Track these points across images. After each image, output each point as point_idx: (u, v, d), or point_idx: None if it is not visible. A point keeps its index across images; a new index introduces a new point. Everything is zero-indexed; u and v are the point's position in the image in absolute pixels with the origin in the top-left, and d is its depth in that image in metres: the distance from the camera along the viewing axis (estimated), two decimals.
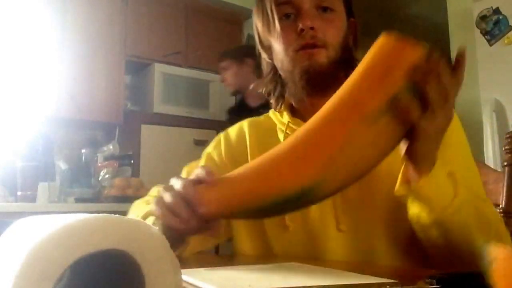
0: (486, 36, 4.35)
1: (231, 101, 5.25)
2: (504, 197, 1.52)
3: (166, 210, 0.96)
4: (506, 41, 4.20)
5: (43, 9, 4.35)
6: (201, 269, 0.92)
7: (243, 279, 0.82)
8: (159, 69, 4.96)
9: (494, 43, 4.29)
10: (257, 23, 1.47)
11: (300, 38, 1.31)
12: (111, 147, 4.78)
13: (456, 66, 0.95)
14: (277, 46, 1.38)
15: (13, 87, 4.09)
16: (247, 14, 5.93)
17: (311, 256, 1.28)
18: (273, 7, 1.36)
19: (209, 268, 0.95)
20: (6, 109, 4.08)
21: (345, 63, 1.36)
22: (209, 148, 1.58)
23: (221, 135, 1.59)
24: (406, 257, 1.24)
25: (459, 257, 1.07)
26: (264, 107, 1.64)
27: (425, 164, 0.98)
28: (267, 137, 1.47)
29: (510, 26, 4.19)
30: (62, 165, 4.32)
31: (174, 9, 5.28)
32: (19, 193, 3.93)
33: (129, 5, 4.96)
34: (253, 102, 3.80)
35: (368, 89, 0.93)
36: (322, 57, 1.31)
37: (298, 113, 1.43)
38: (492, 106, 4.11)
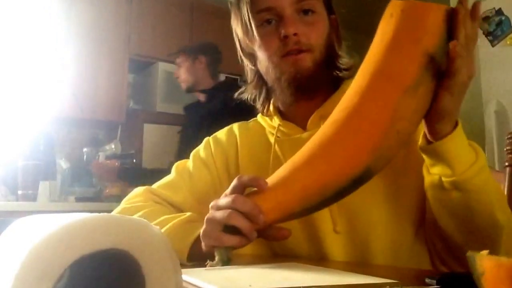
0: (488, 37, 4.34)
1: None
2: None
3: (222, 232, 0.97)
4: (508, 42, 4.19)
5: (47, 7, 4.35)
6: (201, 269, 0.92)
7: (243, 279, 0.82)
8: (163, 68, 4.96)
9: (496, 44, 4.28)
10: (236, 30, 1.46)
11: (284, 45, 1.30)
12: (113, 146, 4.77)
13: (473, 13, 0.97)
14: (261, 54, 1.37)
15: (16, 86, 4.09)
16: None
17: (311, 257, 1.28)
18: (251, 15, 1.35)
19: (209, 268, 0.95)
20: (9, 108, 4.08)
21: (330, 62, 1.36)
22: (197, 150, 1.57)
23: (209, 138, 1.59)
24: (402, 259, 1.24)
25: (478, 229, 1.08)
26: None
27: (449, 122, 0.99)
28: (256, 141, 1.48)
29: None
30: (63, 164, 4.32)
31: (179, 7, 5.28)
32: (20, 192, 3.93)
33: (133, 3, 4.96)
34: (203, 98, 3.79)
35: (403, 58, 0.94)
36: (308, 61, 1.30)
37: (287, 116, 1.43)
38: (494, 107, 4.10)
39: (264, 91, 1.46)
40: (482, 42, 4.38)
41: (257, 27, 1.34)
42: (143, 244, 0.58)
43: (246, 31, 1.39)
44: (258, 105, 1.49)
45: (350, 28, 1.42)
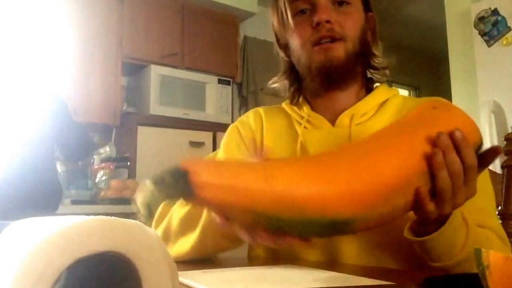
0: (484, 37, 4.36)
1: (228, 103, 5.26)
2: (502, 199, 1.51)
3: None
4: (504, 42, 4.21)
5: (39, 11, 4.33)
6: (198, 271, 0.93)
7: (240, 281, 0.82)
8: (156, 71, 4.95)
9: (492, 44, 4.30)
10: (273, 21, 1.46)
11: (316, 32, 1.29)
12: (107, 149, 4.78)
13: (485, 160, 0.94)
14: (294, 43, 1.37)
15: (9, 89, 4.07)
16: (243, 16, 5.93)
17: (324, 257, 1.27)
18: (287, 4, 1.35)
19: (206, 270, 0.95)
20: (3, 111, 4.05)
21: (362, 57, 1.35)
22: (226, 139, 1.55)
23: (235, 123, 1.57)
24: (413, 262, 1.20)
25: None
26: None
27: (435, 224, 0.97)
28: (283, 128, 1.45)
29: (509, 27, 4.20)
30: (58, 167, 4.30)
31: (171, 10, 5.27)
32: None
33: (125, 6, 4.95)
34: None
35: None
36: (340, 50, 1.29)
37: (315, 107, 1.42)
38: (491, 108, 4.10)
39: (295, 82, 1.46)
40: (478, 42, 4.39)
41: (292, 16, 1.35)
42: (139, 247, 0.57)
43: (281, 20, 1.40)
44: (288, 95, 1.48)
45: None
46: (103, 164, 4.66)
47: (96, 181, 4.57)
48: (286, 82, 1.48)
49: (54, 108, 3.24)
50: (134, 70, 5.14)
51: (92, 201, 4.42)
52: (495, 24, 4.27)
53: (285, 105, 1.50)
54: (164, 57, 5.10)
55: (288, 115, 1.47)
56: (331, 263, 1.24)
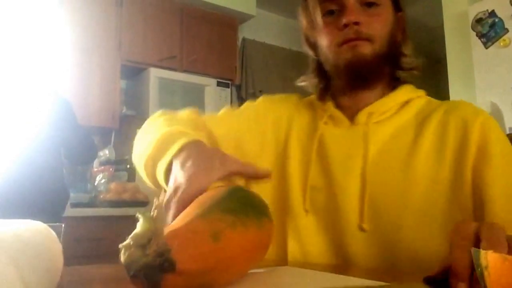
0: (482, 39, 4.37)
1: (227, 105, 5.26)
2: None
3: None
4: (502, 44, 4.22)
5: (38, 15, 4.35)
6: None
7: (233, 285, 0.80)
8: (155, 74, 4.98)
9: (490, 46, 4.32)
10: (302, 20, 1.46)
11: (344, 34, 1.29)
12: (107, 152, 4.80)
13: None
14: (321, 42, 1.36)
15: (8, 92, 4.08)
16: (242, 18, 5.95)
17: (334, 260, 1.25)
18: (316, 4, 1.35)
19: None
20: (7, 114, 4.06)
21: (390, 58, 1.35)
22: (253, 103, 1.55)
23: (266, 95, 1.56)
24: (428, 264, 1.18)
25: None
26: None
27: None
28: (308, 119, 1.45)
29: (506, 28, 4.21)
30: None
31: (169, 13, 5.30)
32: None
33: (124, 10, 4.98)
34: None
35: None
36: (366, 49, 1.28)
37: (340, 105, 1.40)
38: (488, 109, 4.12)
39: (323, 80, 1.45)
40: (476, 43, 4.40)
41: (321, 16, 1.34)
42: None
43: (310, 20, 1.40)
44: (316, 92, 1.46)
45: None
46: (103, 167, 4.67)
47: (96, 184, 4.59)
48: (315, 80, 1.47)
49: (58, 108, 3.24)
50: (133, 73, 5.16)
51: (92, 203, 4.41)
52: (492, 26, 4.28)
53: (313, 98, 1.50)
54: (163, 60, 5.13)
55: (314, 110, 1.47)
56: (340, 266, 1.22)
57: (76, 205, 4.21)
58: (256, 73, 6.26)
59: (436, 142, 1.27)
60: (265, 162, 1.40)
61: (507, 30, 4.20)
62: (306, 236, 1.28)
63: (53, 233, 0.73)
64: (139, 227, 0.67)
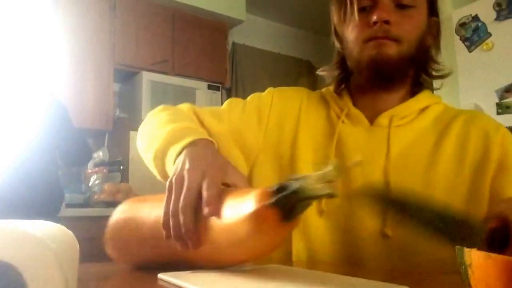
0: (465, 43, 4.39)
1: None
2: None
3: None
4: (485, 47, 4.25)
5: (32, 19, 4.38)
6: (187, 272, 0.89)
7: (229, 281, 0.80)
8: (147, 77, 5.01)
9: (473, 50, 4.34)
10: (333, 12, 1.42)
11: (372, 31, 1.26)
12: (100, 153, 4.82)
13: None
14: (349, 36, 1.34)
15: (3, 95, 4.11)
16: (233, 23, 5.99)
17: (340, 258, 1.23)
18: None
19: (195, 270, 0.91)
20: (2, 116, 4.09)
21: (417, 61, 1.32)
22: (258, 95, 1.51)
23: (274, 89, 1.53)
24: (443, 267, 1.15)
25: None
26: None
27: None
28: (320, 117, 1.42)
29: (489, 33, 4.23)
30: None
31: (161, 18, 5.33)
32: None
33: (117, 14, 5.01)
34: None
35: None
36: (392, 49, 1.26)
37: (358, 102, 1.38)
38: None
39: (343, 72, 1.42)
40: (460, 47, 4.45)
41: (352, 11, 1.31)
42: (29, 258, 0.52)
43: (341, 13, 1.37)
44: (334, 83, 1.44)
45: None
46: (96, 168, 4.69)
47: (90, 184, 4.61)
48: (335, 72, 1.44)
49: (54, 111, 3.25)
50: (126, 76, 5.20)
51: (86, 204, 4.43)
52: (475, 30, 4.30)
53: (326, 92, 1.47)
54: (155, 63, 5.17)
55: (327, 104, 1.44)
56: (345, 265, 1.21)
57: (70, 205, 4.22)
58: (246, 77, 6.31)
59: (457, 151, 1.26)
60: (267, 160, 1.38)
61: (490, 34, 4.22)
62: (317, 237, 1.26)
63: (71, 233, 0.74)
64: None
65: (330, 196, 0.73)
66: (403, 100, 1.35)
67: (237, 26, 6.20)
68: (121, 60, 5.01)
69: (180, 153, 1.04)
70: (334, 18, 1.42)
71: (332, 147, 1.32)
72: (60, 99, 3.44)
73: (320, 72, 1.49)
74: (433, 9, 1.36)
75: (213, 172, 0.91)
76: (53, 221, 0.72)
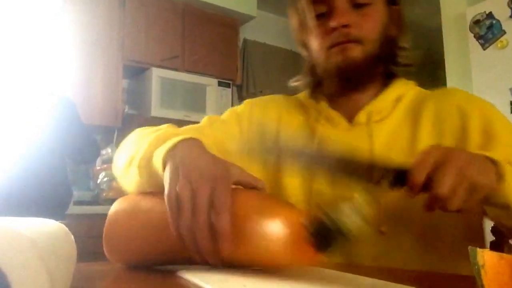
0: (479, 41, 4.36)
1: (228, 105, 5.28)
2: None
3: None
4: (499, 45, 4.21)
5: (41, 14, 4.36)
6: (201, 269, 0.88)
7: (238, 280, 0.79)
8: (157, 74, 4.99)
9: (487, 47, 4.30)
10: (293, 22, 1.44)
11: (333, 37, 1.27)
12: (109, 150, 4.79)
13: None
14: (312, 45, 1.35)
15: (11, 90, 4.10)
16: (243, 19, 5.96)
17: (342, 259, 1.22)
18: (307, 6, 1.33)
19: (209, 269, 0.89)
20: (5, 111, 4.09)
21: (385, 55, 1.33)
22: (235, 107, 1.52)
23: (251, 100, 1.54)
24: (440, 265, 1.20)
25: None
26: None
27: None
28: (299, 121, 1.43)
29: (503, 30, 4.20)
30: None
31: (171, 14, 5.31)
32: None
33: (126, 10, 5.00)
34: None
35: None
36: (357, 51, 1.26)
37: (333, 105, 1.38)
38: None
39: (315, 78, 1.42)
40: (474, 45, 4.41)
41: (311, 18, 1.32)
42: (10, 254, 0.51)
43: (301, 21, 1.39)
44: (308, 91, 1.45)
45: None
46: (105, 166, 4.66)
47: (98, 182, 4.59)
48: (307, 80, 1.45)
49: (62, 108, 3.24)
50: (135, 72, 5.18)
51: (94, 202, 4.44)
52: (490, 27, 4.27)
53: (303, 97, 1.48)
54: (165, 59, 5.15)
55: (305, 109, 1.45)
56: (348, 265, 1.17)
57: (78, 203, 4.23)
58: (257, 74, 6.27)
59: (434, 133, 1.27)
60: (253, 170, 1.26)
61: (504, 32, 4.19)
62: None
63: (69, 232, 0.73)
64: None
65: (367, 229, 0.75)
66: (378, 94, 1.35)
67: (248, 22, 6.18)
68: (131, 56, 5.00)
69: (168, 152, 0.94)
70: (294, 27, 1.44)
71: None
72: (68, 95, 3.41)
73: (293, 83, 1.50)
74: None
75: (220, 180, 0.84)
76: (61, 219, 0.70)
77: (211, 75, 5.43)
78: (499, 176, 0.93)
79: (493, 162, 0.94)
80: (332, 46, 1.28)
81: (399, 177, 0.88)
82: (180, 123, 4.10)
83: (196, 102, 5.19)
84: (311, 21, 1.33)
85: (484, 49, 4.33)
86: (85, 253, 1.05)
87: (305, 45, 1.43)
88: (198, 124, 1.43)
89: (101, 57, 4.78)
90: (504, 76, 4.14)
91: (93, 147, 3.58)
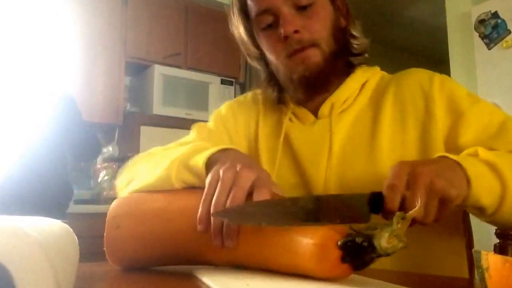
0: (484, 40, 4.35)
1: None
2: None
3: None
4: (504, 45, 4.20)
5: (43, 11, 4.35)
6: (202, 269, 0.91)
7: (241, 278, 0.81)
8: (159, 71, 4.96)
9: (492, 47, 4.29)
10: (240, 36, 1.45)
11: (287, 45, 1.27)
12: (110, 148, 4.78)
13: None
14: (268, 56, 1.36)
15: (12, 89, 4.08)
16: None
17: None
18: (253, 20, 1.35)
19: (210, 269, 0.92)
20: (5, 111, 4.07)
21: (342, 49, 1.33)
22: (219, 111, 1.56)
23: (231, 101, 1.59)
24: (422, 262, 1.21)
25: None
26: None
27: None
28: (274, 119, 1.46)
29: (509, 30, 4.19)
30: None
31: (174, 11, 5.29)
32: None
33: (129, 6, 4.97)
34: None
35: None
36: (316, 56, 1.27)
37: (300, 101, 1.40)
38: None
39: (277, 87, 1.44)
40: (479, 44, 4.39)
41: (261, 30, 1.34)
42: (15, 253, 0.52)
43: (250, 36, 1.39)
44: (274, 100, 1.47)
45: (368, 38, 1.40)
46: (106, 164, 4.66)
47: (99, 180, 4.58)
48: (270, 90, 1.47)
49: (62, 106, 3.22)
50: (138, 70, 5.15)
51: (95, 200, 4.42)
52: (495, 27, 4.26)
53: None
54: (167, 57, 5.12)
55: (280, 106, 1.46)
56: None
57: (79, 202, 4.20)
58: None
59: (396, 115, 1.28)
60: None
61: (509, 32, 4.18)
62: None
63: (72, 232, 0.75)
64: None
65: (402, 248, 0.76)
66: (340, 85, 1.36)
67: None
68: (133, 53, 4.97)
69: (211, 155, 1.00)
70: (243, 39, 1.44)
71: (279, 145, 1.38)
72: (69, 92, 3.39)
73: (260, 95, 1.56)
74: None
75: (265, 175, 0.89)
76: (61, 218, 0.70)
77: (214, 73, 5.40)
78: (468, 180, 0.93)
79: (461, 166, 0.94)
80: (290, 55, 1.28)
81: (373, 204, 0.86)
82: (182, 121, 4.10)
83: (198, 100, 5.15)
84: (261, 34, 1.35)
85: (489, 49, 4.32)
86: (85, 253, 1.05)
87: (257, 58, 1.45)
88: (189, 137, 1.49)
89: (103, 54, 4.75)
90: (509, 76, 4.12)
91: (95, 144, 3.56)
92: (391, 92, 1.32)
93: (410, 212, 0.77)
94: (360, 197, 0.84)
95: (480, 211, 0.99)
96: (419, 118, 1.25)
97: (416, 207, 0.78)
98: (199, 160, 1.00)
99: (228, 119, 1.50)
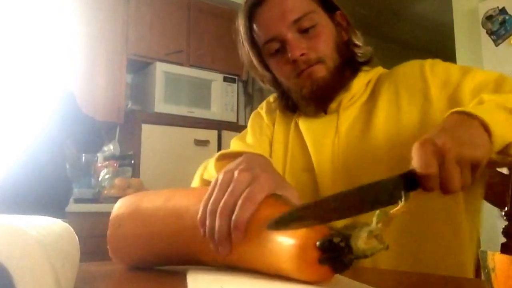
0: (492, 36, 4.34)
1: (233, 101, 5.22)
2: (509, 201, 1.50)
3: None
4: None
5: (45, 8, 4.32)
6: (203, 269, 0.92)
7: (222, 280, 0.81)
8: (161, 68, 4.93)
9: (500, 43, 4.29)
10: (249, 60, 1.56)
11: (296, 67, 1.37)
12: (111, 147, 4.76)
13: None
14: (279, 77, 1.48)
15: (13, 87, 4.05)
16: None
17: None
18: (262, 48, 1.46)
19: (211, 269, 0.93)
20: (6, 109, 4.04)
21: (347, 60, 1.42)
22: (250, 125, 1.67)
23: (258, 111, 1.71)
24: (423, 262, 1.24)
25: None
26: None
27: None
28: (288, 120, 1.58)
29: None
30: None
31: (176, 7, 5.26)
32: None
33: (131, 3, 4.95)
34: None
35: None
36: (321, 71, 1.36)
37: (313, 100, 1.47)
38: None
39: (291, 102, 1.54)
40: (486, 41, 4.36)
41: (270, 56, 1.44)
42: (15, 252, 0.52)
43: (261, 61, 1.50)
44: (287, 110, 1.57)
45: (373, 34, 1.42)
46: (107, 162, 4.64)
47: (100, 179, 4.56)
48: (283, 102, 1.57)
49: (60, 102, 3.21)
50: (139, 67, 5.13)
51: (96, 199, 4.40)
52: (502, 23, 4.25)
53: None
54: (169, 54, 5.09)
55: (294, 108, 1.56)
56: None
57: (79, 200, 4.19)
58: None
59: (391, 97, 1.37)
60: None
61: None
62: None
63: (73, 231, 0.77)
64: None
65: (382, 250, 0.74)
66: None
67: None
68: (135, 50, 4.95)
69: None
70: (248, 66, 1.60)
71: (289, 137, 1.51)
72: (68, 88, 3.38)
73: (278, 111, 1.63)
74: (330, 8, 1.44)
75: (264, 178, 0.88)
76: (61, 215, 0.67)
77: (216, 70, 5.37)
78: (485, 127, 0.91)
79: (473, 116, 0.92)
80: (298, 75, 1.38)
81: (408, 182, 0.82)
82: (184, 119, 4.06)
83: (200, 98, 5.12)
84: (271, 60, 1.46)
85: (497, 45, 4.31)
86: (86, 253, 1.04)
87: (269, 80, 1.55)
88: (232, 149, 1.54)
89: (104, 51, 4.73)
90: None
91: (96, 134, 3.53)
92: (386, 81, 1.41)
93: (392, 211, 0.74)
94: (395, 181, 0.80)
95: (508, 151, 0.96)
96: (415, 100, 1.32)
97: (399, 205, 0.75)
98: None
99: (265, 123, 1.63)
